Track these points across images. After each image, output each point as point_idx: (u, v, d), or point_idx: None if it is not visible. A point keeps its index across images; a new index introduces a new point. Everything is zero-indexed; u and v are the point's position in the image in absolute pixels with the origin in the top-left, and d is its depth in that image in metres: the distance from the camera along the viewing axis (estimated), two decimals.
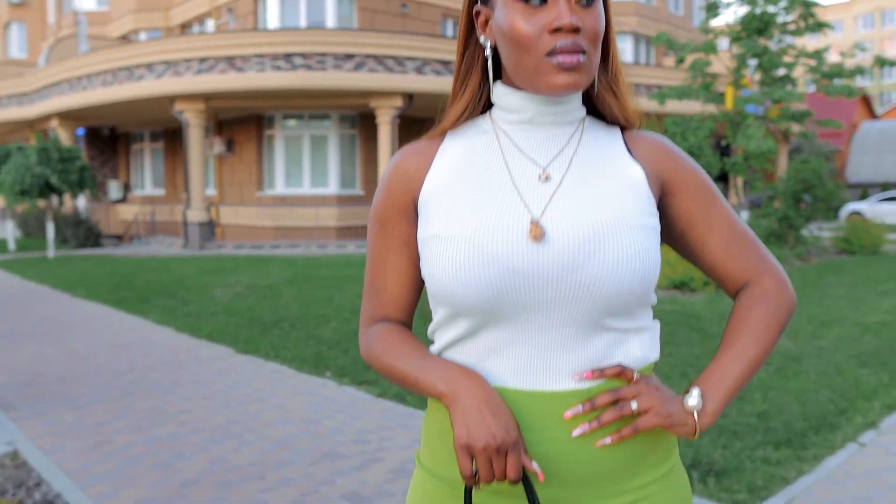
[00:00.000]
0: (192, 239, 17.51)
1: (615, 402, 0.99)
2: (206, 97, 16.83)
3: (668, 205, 1.08)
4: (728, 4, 15.35)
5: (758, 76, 13.59)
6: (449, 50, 16.53)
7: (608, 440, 0.99)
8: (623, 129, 1.10)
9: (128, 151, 24.13)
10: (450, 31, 21.65)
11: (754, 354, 1.05)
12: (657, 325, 1.07)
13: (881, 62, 12.21)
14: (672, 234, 1.11)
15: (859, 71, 12.34)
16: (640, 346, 1.03)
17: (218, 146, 19.37)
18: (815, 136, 27.23)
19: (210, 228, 17.94)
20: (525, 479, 0.95)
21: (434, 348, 1.09)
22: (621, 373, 0.99)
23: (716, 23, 63.28)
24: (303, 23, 19.28)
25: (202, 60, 16.23)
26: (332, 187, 18.49)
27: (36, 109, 20.92)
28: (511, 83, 1.05)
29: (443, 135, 1.10)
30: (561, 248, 0.96)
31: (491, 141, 1.06)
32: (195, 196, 17.41)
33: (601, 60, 1.07)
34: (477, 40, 1.07)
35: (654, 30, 24.64)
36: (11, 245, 18.20)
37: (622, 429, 0.99)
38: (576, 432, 0.98)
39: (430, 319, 1.10)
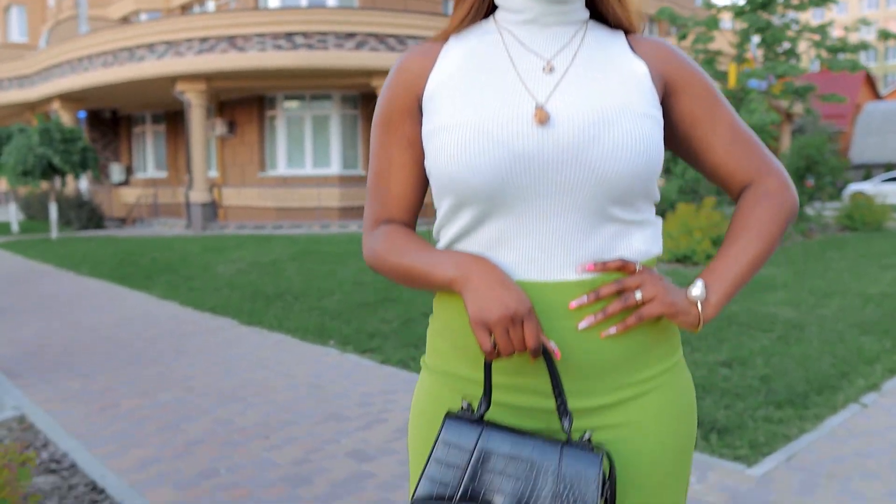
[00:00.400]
0: (195, 220, 17.53)
1: (619, 293, 1.00)
2: (208, 77, 16.79)
3: (672, 106, 1.09)
4: None
5: (761, 52, 13.52)
6: None
7: (613, 330, 1.00)
8: (626, 32, 1.10)
9: (129, 134, 24.10)
10: (451, 9, 21.49)
11: (758, 250, 1.06)
12: (659, 221, 1.08)
13: (885, 35, 12.13)
14: (675, 137, 1.12)
15: (863, 46, 12.26)
16: (642, 240, 1.04)
17: (220, 127, 19.34)
18: (818, 116, 27.08)
19: (213, 209, 17.96)
20: (545, 355, 0.96)
21: (440, 245, 1.09)
22: (624, 266, 1.00)
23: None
24: (303, 2, 19.18)
25: (203, 40, 16.17)
26: (335, 168, 18.47)
27: (37, 92, 20.89)
28: None
29: (446, 37, 1.10)
30: (565, 132, 0.97)
31: (495, 39, 1.06)
32: (197, 177, 17.40)
33: None
34: None
35: (654, 7, 24.48)
36: (15, 227, 18.23)
37: (627, 318, 1.00)
38: (582, 325, 0.99)
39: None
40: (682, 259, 9.65)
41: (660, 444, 1.05)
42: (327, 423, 3.84)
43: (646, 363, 1.05)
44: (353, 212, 18.11)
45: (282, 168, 18.80)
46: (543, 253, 0.99)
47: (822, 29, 12.13)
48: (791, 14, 13.10)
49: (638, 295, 0.99)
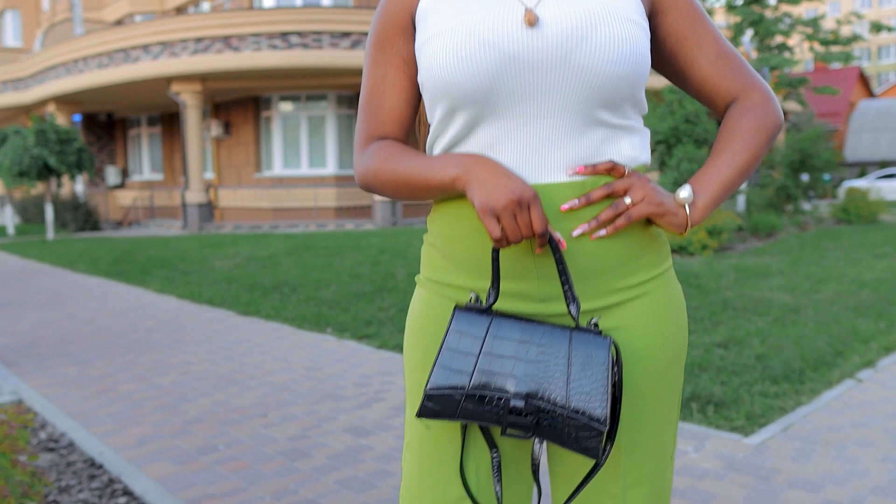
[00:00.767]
0: (191, 220, 17.52)
1: (609, 196, 1.03)
2: (203, 78, 16.80)
3: (659, 24, 1.11)
4: None
5: (754, 46, 13.59)
6: None
7: (603, 232, 1.03)
8: None
9: (125, 137, 24.09)
10: None
11: (744, 159, 1.09)
12: (647, 132, 1.10)
13: (878, 28, 12.22)
14: (662, 55, 1.14)
15: (855, 38, 12.33)
16: (630, 146, 1.06)
17: (215, 129, 19.34)
18: (813, 114, 27.21)
19: (209, 210, 17.95)
20: (551, 243, 0.98)
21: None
22: (613, 168, 1.03)
23: None
24: (298, 1, 19.21)
25: (198, 40, 16.19)
26: (331, 168, 18.48)
27: (32, 94, 20.87)
28: None
29: None
30: (554, 33, 0.99)
31: None
32: (193, 178, 17.40)
33: None
34: None
35: None
36: (11, 230, 18.21)
37: (617, 220, 1.02)
38: (575, 233, 1.02)
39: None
40: (677, 250, 9.68)
41: (651, 348, 1.07)
42: (324, 403, 3.85)
43: (636, 269, 1.07)
44: (350, 211, 18.12)
45: (278, 168, 18.81)
46: (535, 154, 1.02)
47: (814, 22, 12.21)
48: (784, 8, 13.18)
49: (627, 199, 1.02)
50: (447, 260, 1.09)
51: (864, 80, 42.24)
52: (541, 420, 0.95)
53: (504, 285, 1.05)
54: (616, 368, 0.99)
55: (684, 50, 1.12)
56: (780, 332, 5.07)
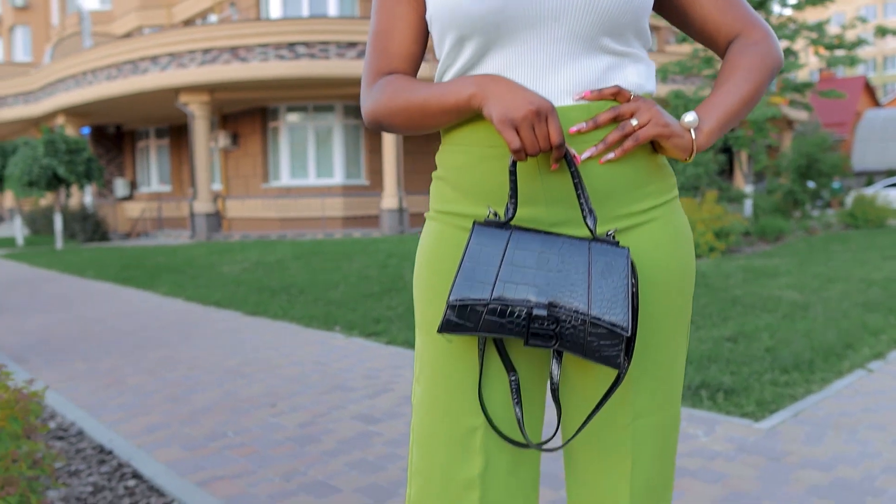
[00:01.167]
0: (199, 230, 17.58)
1: (616, 120, 1.04)
2: (211, 89, 16.91)
3: None
4: None
5: None
6: None
7: (611, 156, 1.04)
8: None
9: (133, 149, 24.24)
10: None
11: (747, 89, 1.11)
12: (653, 63, 1.12)
13: (882, 31, 12.22)
14: None
15: (860, 42, 12.33)
16: (636, 74, 1.08)
17: (223, 140, 19.44)
18: (819, 124, 27.15)
19: (217, 220, 18.01)
20: (567, 158, 0.99)
21: None
22: (619, 93, 1.04)
23: None
24: (305, 12, 19.34)
25: (206, 52, 16.30)
26: (338, 178, 18.53)
27: (42, 107, 21.04)
28: None
29: None
30: None
31: None
32: (201, 188, 17.47)
33: None
34: None
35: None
36: (20, 241, 18.30)
37: (625, 143, 1.03)
38: (584, 155, 1.03)
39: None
40: None
41: (661, 272, 1.08)
42: (333, 393, 3.85)
43: (643, 196, 1.08)
44: (357, 221, 18.15)
45: (285, 179, 18.88)
46: (542, 80, 1.03)
47: (819, 27, 12.23)
48: (788, 13, 13.20)
49: (634, 121, 1.03)
50: (456, 190, 1.10)
51: (869, 90, 42.20)
52: (563, 330, 0.96)
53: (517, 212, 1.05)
54: (634, 280, 0.99)
55: None
56: (790, 327, 5.05)
